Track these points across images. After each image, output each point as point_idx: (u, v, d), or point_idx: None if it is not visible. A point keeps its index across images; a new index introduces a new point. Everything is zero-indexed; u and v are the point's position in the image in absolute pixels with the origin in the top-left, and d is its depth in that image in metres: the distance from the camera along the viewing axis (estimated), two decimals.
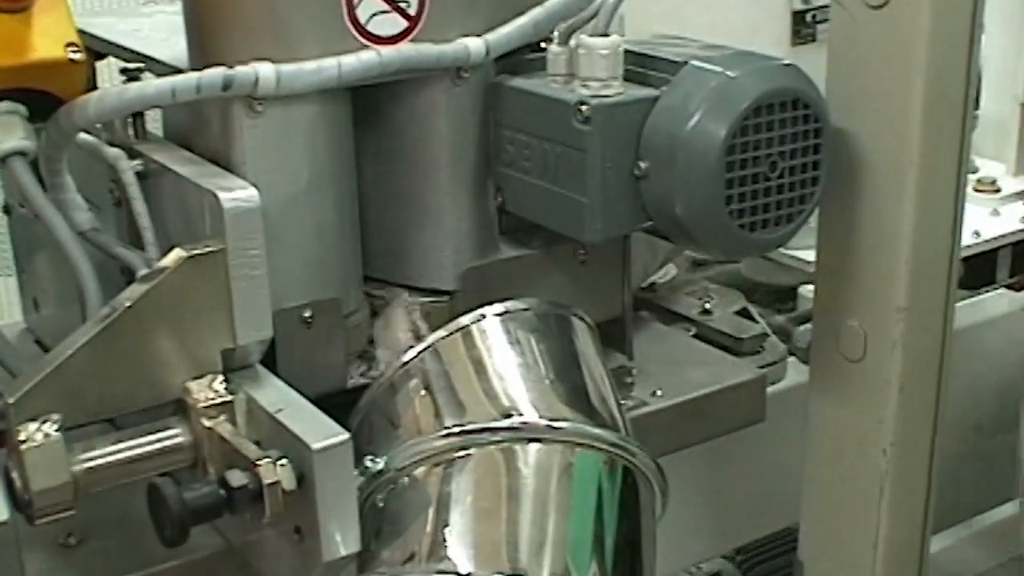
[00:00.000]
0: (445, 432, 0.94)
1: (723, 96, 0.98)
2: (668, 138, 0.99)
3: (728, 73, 0.99)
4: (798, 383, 1.32)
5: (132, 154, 1.02)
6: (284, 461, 0.87)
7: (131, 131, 1.04)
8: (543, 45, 1.08)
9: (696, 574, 1.90)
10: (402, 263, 1.09)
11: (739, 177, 0.99)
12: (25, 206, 1.20)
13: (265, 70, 0.96)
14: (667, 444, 1.13)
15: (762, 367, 1.26)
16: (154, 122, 1.08)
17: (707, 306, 1.35)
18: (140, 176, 1.01)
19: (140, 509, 0.94)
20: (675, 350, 1.26)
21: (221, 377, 0.93)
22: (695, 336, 1.31)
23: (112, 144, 1.03)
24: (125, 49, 1.12)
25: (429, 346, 0.97)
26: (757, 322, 1.36)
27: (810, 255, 1.23)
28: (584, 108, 0.99)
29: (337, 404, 0.95)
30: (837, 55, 1.07)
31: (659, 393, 1.16)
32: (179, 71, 1.00)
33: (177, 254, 0.91)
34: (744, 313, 1.38)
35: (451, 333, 0.98)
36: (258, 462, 0.87)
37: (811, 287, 1.44)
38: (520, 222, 1.10)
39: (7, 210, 1.29)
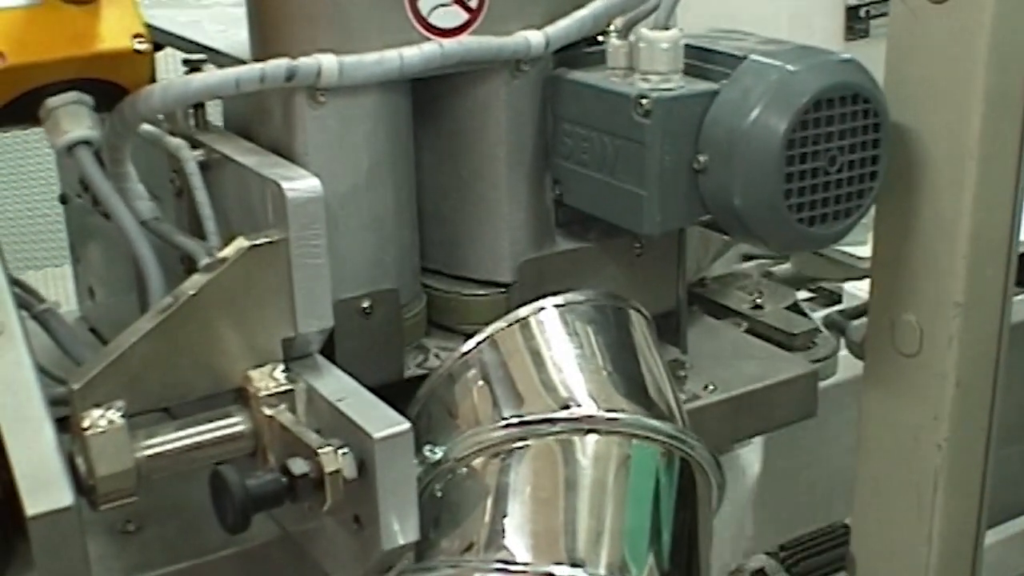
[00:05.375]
0: (503, 423, 0.95)
1: (783, 90, 0.98)
2: (728, 132, 0.99)
3: (788, 67, 0.99)
4: (846, 379, 1.32)
5: (194, 144, 1.03)
6: (345, 450, 0.88)
7: (192, 121, 1.05)
8: (600, 39, 1.09)
9: (740, 570, 1.90)
10: (459, 255, 1.10)
11: (799, 171, 0.99)
12: (82, 196, 1.22)
13: (328, 61, 0.96)
14: (720, 438, 1.13)
15: (814, 362, 1.26)
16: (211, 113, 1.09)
17: (758, 301, 1.35)
18: (202, 166, 1.02)
19: (197, 497, 0.94)
20: (727, 344, 1.26)
21: (282, 366, 0.94)
22: (746, 331, 1.32)
23: (174, 134, 1.04)
24: (185, 40, 1.13)
25: (488, 337, 0.98)
26: (808, 317, 1.36)
27: (859, 250, 1.22)
28: (644, 101, 0.99)
29: (392, 394, 0.95)
30: (896, 50, 1.07)
31: (712, 387, 1.17)
32: (241, 62, 1.01)
33: (240, 243, 0.92)
34: (795, 308, 1.38)
35: (510, 324, 0.98)
36: (319, 450, 0.87)
37: (858, 283, 1.44)
38: (576, 215, 1.11)
39: (63, 199, 1.30)
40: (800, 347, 1.30)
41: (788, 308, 1.37)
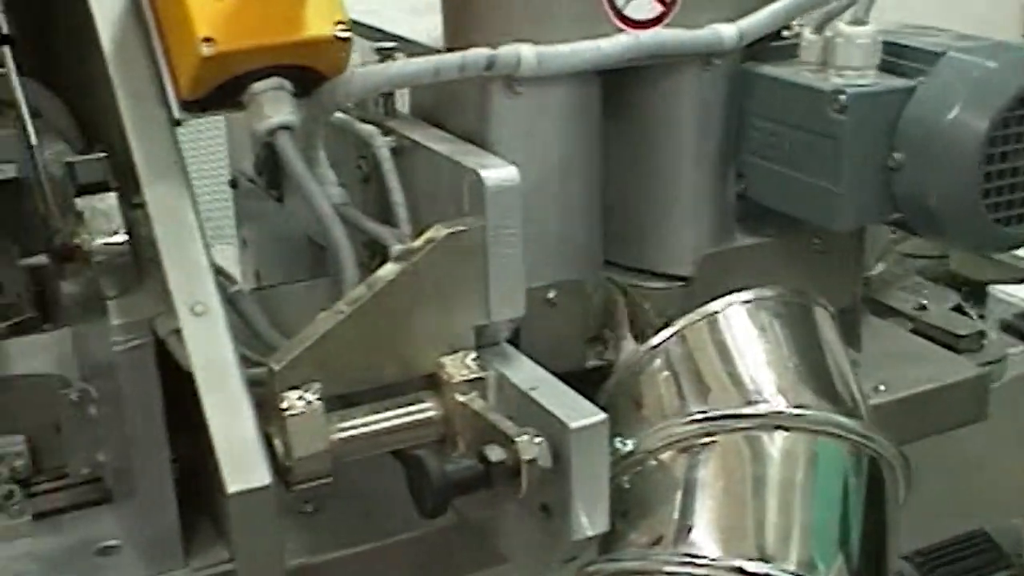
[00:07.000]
0: (692, 418, 0.95)
1: (984, 87, 0.97)
2: (926, 129, 0.97)
3: (988, 64, 0.98)
4: (1005, 382, 1.30)
5: (384, 131, 1.04)
6: (540, 438, 0.88)
7: (382, 109, 1.05)
8: (784, 33, 1.08)
9: None
10: (641, 248, 1.09)
11: (998, 170, 0.97)
12: (256, 181, 1.23)
13: (526, 51, 0.97)
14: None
15: (982, 365, 1.25)
16: None
17: (922, 302, 1.34)
18: (392, 153, 1.02)
19: (372, 481, 0.95)
20: (895, 344, 1.25)
21: (473, 353, 0.94)
22: (911, 331, 1.30)
23: (364, 121, 1.05)
24: (366, 27, 1.13)
25: (677, 331, 0.97)
26: (972, 319, 1.34)
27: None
28: (841, 97, 0.98)
29: (568, 384, 0.94)
30: None
31: (882, 388, 1.15)
32: (434, 51, 1.01)
33: (437, 231, 0.92)
34: (958, 309, 1.36)
35: (700, 319, 0.97)
36: (516, 439, 0.88)
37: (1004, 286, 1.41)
38: (754, 209, 1.10)
39: (233, 184, 1.32)
40: (966, 349, 1.28)
41: (951, 309, 1.35)
